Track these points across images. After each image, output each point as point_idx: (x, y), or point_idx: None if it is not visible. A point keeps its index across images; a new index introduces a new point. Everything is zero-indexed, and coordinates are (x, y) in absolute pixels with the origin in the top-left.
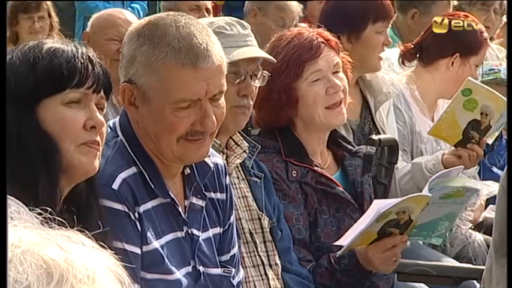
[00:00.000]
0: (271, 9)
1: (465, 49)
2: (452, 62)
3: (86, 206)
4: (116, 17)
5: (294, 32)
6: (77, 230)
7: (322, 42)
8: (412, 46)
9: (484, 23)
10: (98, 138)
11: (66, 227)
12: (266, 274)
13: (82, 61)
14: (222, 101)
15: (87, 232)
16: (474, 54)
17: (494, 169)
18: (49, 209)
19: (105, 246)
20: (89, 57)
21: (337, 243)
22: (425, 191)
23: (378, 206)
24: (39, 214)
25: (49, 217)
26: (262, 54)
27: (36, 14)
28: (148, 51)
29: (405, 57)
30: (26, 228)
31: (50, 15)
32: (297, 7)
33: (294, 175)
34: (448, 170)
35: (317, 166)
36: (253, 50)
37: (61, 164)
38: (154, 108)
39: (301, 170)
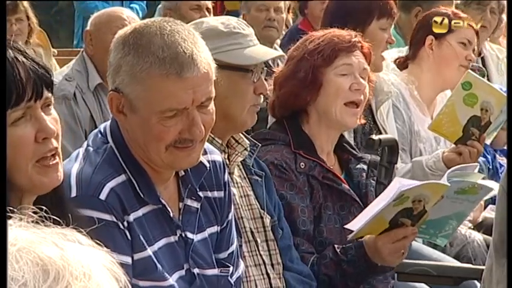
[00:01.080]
0: (253, 5)
1: (432, 30)
2: (432, 47)
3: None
4: (119, 12)
5: (331, 29)
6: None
7: (359, 43)
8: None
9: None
10: (55, 144)
11: (61, 225)
12: (267, 273)
13: (14, 74)
14: (211, 107)
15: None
16: (448, 32)
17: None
18: (44, 207)
19: None
20: (21, 62)
21: (347, 226)
22: (443, 180)
23: (399, 184)
24: (35, 213)
25: (44, 215)
26: (281, 51)
27: (13, 17)
28: (133, 61)
29: (400, 66)
30: (21, 227)
31: (28, 17)
32: None
33: (302, 167)
34: (464, 165)
35: (324, 162)
36: (267, 49)
37: (11, 191)
38: (141, 117)
39: (309, 163)
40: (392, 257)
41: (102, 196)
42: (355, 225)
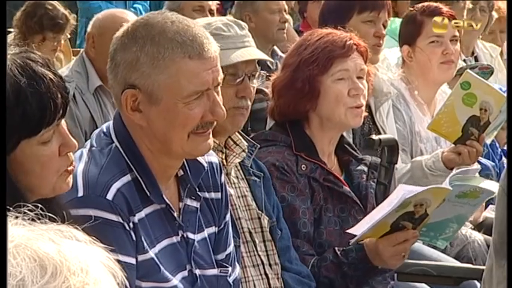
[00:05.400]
0: (261, 7)
1: (406, 38)
2: (410, 55)
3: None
4: (122, 18)
5: (326, 31)
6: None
7: (354, 44)
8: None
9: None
10: (72, 156)
11: (57, 222)
12: (266, 273)
13: (49, 94)
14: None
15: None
16: (417, 36)
17: (483, 160)
18: (40, 205)
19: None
20: (54, 81)
21: (350, 231)
22: (445, 184)
23: (403, 191)
24: (31, 211)
25: (40, 213)
26: (261, 55)
27: (61, 35)
28: (152, 50)
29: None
30: (17, 225)
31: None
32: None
33: (304, 169)
34: (465, 169)
35: (325, 164)
36: (251, 51)
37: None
38: (164, 107)
39: (311, 165)
40: (393, 260)
41: (109, 196)
42: (358, 230)
